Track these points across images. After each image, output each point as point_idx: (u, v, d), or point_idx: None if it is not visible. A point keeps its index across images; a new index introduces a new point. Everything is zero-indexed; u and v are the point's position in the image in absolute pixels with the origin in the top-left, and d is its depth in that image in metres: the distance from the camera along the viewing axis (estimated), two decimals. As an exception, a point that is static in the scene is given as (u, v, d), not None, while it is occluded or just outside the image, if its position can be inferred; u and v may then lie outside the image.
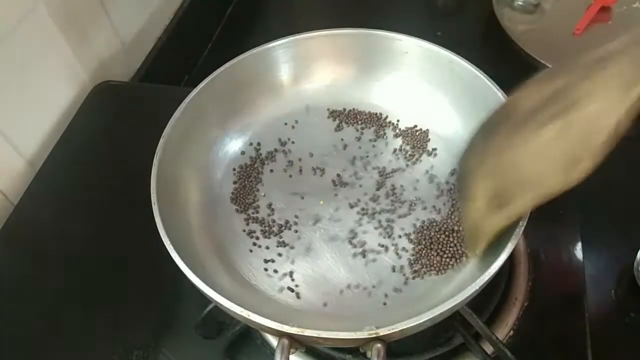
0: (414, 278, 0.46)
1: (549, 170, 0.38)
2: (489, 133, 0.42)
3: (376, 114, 0.56)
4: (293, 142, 0.55)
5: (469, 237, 0.44)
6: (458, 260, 0.46)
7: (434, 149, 0.53)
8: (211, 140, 0.53)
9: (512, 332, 0.47)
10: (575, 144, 0.36)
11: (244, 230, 0.50)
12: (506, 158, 0.39)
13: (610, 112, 0.35)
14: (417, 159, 0.53)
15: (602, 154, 0.36)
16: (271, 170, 0.54)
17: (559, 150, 0.36)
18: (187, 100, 0.50)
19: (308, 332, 0.36)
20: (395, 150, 0.54)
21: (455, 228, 0.47)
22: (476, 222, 0.42)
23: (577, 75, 0.37)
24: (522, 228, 0.39)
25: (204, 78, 0.51)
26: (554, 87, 0.38)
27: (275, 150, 0.55)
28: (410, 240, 0.48)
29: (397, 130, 0.55)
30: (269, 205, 0.51)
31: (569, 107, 0.36)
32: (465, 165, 0.44)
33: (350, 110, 0.56)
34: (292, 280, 0.47)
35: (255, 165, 0.54)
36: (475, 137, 0.44)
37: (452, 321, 0.45)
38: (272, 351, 0.47)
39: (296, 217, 0.50)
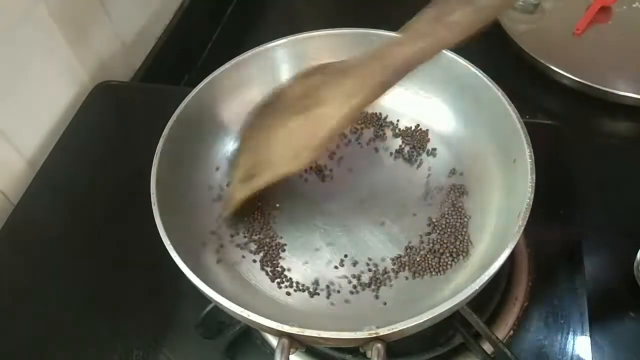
0: (414, 278, 0.46)
1: (286, 155, 0.44)
2: (262, 112, 0.47)
3: (376, 114, 0.56)
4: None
5: (227, 200, 0.49)
6: (457, 260, 0.46)
7: (434, 149, 0.53)
8: (211, 140, 0.53)
9: (512, 332, 0.47)
10: (306, 136, 0.42)
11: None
12: (264, 137, 0.45)
13: (333, 115, 0.41)
14: (416, 159, 0.53)
15: (322, 147, 0.42)
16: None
17: (296, 139, 0.43)
18: (187, 100, 0.50)
19: (308, 332, 0.36)
20: (394, 150, 0.54)
21: (457, 226, 0.47)
22: (232, 189, 0.48)
23: (326, 78, 0.42)
24: (522, 228, 0.39)
25: (204, 78, 0.51)
26: (311, 83, 0.43)
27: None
28: (410, 240, 0.48)
29: (397, 130, 0.55)
30: (270, 205, 0.51)
31: (313, 105, 0.42)
32: (242, 135, 0.49)
33: (350, 110, 0.56)
34: (292, 280, 0.47)
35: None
36: (253, 112, 0.48)
37: (452, 321, 0.45)
38: (272, 351, 0.47)
39: (296, 217, 0.50)
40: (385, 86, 0.41)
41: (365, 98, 0.41)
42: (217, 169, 0.53)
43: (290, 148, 0.43)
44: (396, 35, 0.41)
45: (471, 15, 0.37)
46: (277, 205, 0.51)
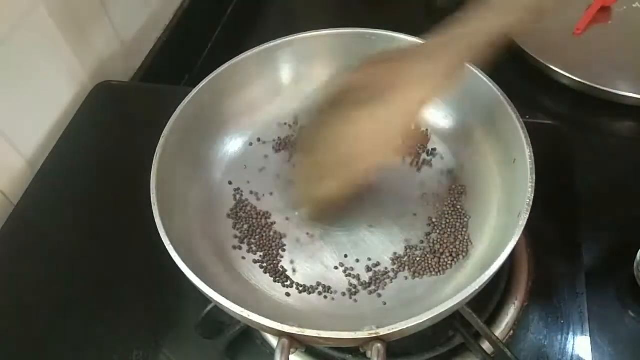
0: (414, 278, 0.46)
1: (372, 146, 0.41)
2: (325, 108, 0.44)
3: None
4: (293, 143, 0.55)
5: (297, 194, 0.48)
6: (457, 260, 0.46)
7: (434, 149, 0.53)
8: (211, 140, 0.53)
9: (512, 332, 0.47)
10: (392, 123, 0.40)
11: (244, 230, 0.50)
12: (337, 133, 0.42)
13: (417, 98, 0.39)
14: (416, 159, 0.53)
15: (412, 131, 0.42)
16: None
17: (380, 128, 0.40)
18: (187, 100, 0.50)
19: (308, 332, 0.36)
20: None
21: (457, 226, 0.47)
22: (302, 185, 0.46)
23: (399, 64, 0.40)
24: (522, 228, 0.39)
25: (204, 78, 0.51)
26: (381, 71, 0.41)
27: (275, 150, 0.55)
28: (410, 240, 0.48)
29: (397, 130, 0.55)
30: (270, 204, 0.51)
31: (390, 91, 0.40)
32: (303, 134, 0.47)
33: (350, 110, 0.56)
34: (292, 280, 0.47)
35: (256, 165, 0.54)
36: (314, 109, 0.46)
37: (452, 321, 0.45)
38: (272, 351, 0.47)
39: (296, 216, 0.50)
40: (461, 64, 0.40)
41: (445, 77, 0.39)
42: (217, 169, 0.53)
43: (375, 138, 0.41)
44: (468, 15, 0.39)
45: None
46: (278, 205, 0.51)
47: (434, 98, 0.40)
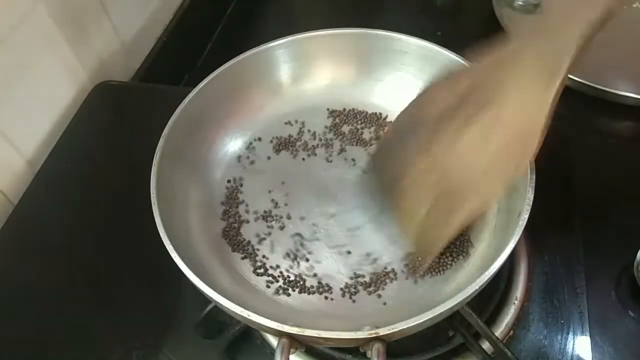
0: (414, 278, 0.46)
1: (485, 175, 0.36)
2: (401, 142, 0.39)
3: (376, 113, 0.56)
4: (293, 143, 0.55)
5: (420, 249, 0.43)
6: (457, 260, 0.46)
7: (434, 149, 0.53)
8: (211, 140, 0.53)
9: (512, 332, 0.47)
10: (508, 145, 0.34)
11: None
12: (438, 161, 0.37)
13: (538, 109, 0.34)
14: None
15: (538, 147, 0.34)
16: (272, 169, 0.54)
17: (490, 152, 0.35)
18: (187, 100, 0.50)
19: (308, 332, 0.36)
20: (395, 150, 0.54)
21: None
22: (423, 233, 0.41)
23: (484, 71, 0.35)
24: (522, 228, 0.39)
25: (204, 78, 0.51)
26: (464, 85, 0.35)
27: (276, 150, 0.55)
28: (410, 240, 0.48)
29: (397, 130, 0.55)
30: (270, 204, 0.51)
31: (486, 105, 0.34)
32: (381, 182, 0.40)
33: (350, 110, 0.56)
34: (292, 279, 0.47)
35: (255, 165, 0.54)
36: (383, 148, 0.41)
37: (452, 321, 0.45)
38: (272, 351, 0.47)
39: (296, 216, 0.50)
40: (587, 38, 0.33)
41: (564, 72, 0.34)
42: (217, 169, 0.53)
43: (496, 159, 0.35)
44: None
45: None
46: (278, 205, 0.51)
47: (560, 87, 0.33)
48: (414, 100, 0.39)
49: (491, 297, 0.48)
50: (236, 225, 0.50)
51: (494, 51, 0.34)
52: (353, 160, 0.54)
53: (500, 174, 0.35)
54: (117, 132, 0.66)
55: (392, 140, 0.40)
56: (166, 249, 0.40)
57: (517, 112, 0.34)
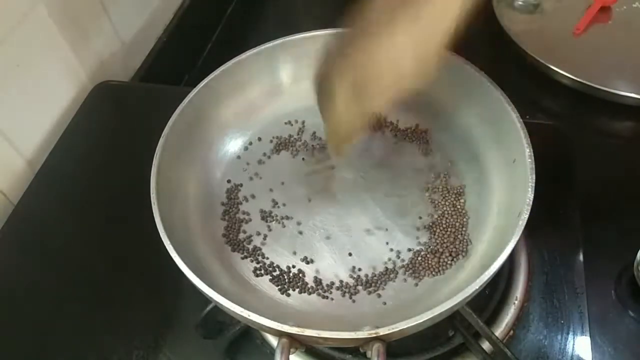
0: (413, 278, 0.46)
1: (404, 63, 0.39)
2: (345, 39, 0.43)
3: (375, 113, 0.56)
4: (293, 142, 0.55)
5: (331, 140, 0.46)
6: (457, 260, 0.46)
7: (434, 149, 0.53)
8: (211, 140, 0.53)
9: (512, 331, 0.47)
10: (425, 38, 0.39)
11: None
12: (364, 53, 0.40)
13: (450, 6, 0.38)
14: (416, 159, 0.53)
15: (448, 45, 0.39)
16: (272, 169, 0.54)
17: (412, 44, 0.39)
18: (187, 100, 0.50)
19: (308, 332, 0.36)
20: (394, 149, 0.54)
21: (457, 225, 0.47)
22: (338, 123, 0.43)
23: None
24: (522, 228, 0.39)
25: (204, 78, 0.51)
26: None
27: (276, 150, 0.55)
28: (410, 240, 0.48)
29: (397, 130, 0.55)
30: (269, 204, 0.51)
31: (415, 5, 0.38)
32: (320, 74, 0.44)
33: (350, 110, 0.56)
34: (292, 279, 0.47)
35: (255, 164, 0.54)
36: (330, 46, 0.45)
37: (452, 321, 0.45)
38: (272, 351, 0.47)
39: (296, 216, 0.50)
40: None
41: None
42: (217, 169, 0.53)
43: (407, 55, 0.39)
44: None
45: None
46: (278, 205, 0.51)
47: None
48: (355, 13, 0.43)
49: (491, 297, 0.48)
50: (236, 225, 0.50)
51: None
52: (352, 160, 0.54)
53: (424, 54, 0.39)
54: (117, 132, 0.66)
55: (331, 44, 0.45)
56: (166, 249, 0.40)
57: (436, 11, 0.38)
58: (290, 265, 0.47)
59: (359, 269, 0.47)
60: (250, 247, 0.49)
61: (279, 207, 0.51)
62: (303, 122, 0.56)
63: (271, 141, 0.55)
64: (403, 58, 0.39)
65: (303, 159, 0.54)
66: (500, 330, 0.47)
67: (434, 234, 0.48)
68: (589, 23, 0.73)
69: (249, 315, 0.37)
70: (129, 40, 0.75)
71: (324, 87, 0.44)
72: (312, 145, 0.55)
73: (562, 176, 0.56)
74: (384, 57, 0.40)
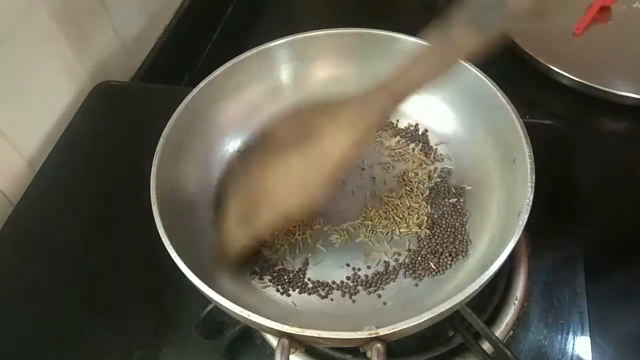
0: (413, 278, 0.46)
1: (290, 193, 0.43)
2: (249, 157, 0.47)
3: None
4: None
5: (220, 252, 0.47)
6: (457, 260, 0.46)
7: (434, 149, 0.53)
8: (211, 140, 0.53)
9: (512, 332, 0.47)
10: (312, 170, 0.42)
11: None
12: (258, 180, 0.44)
13: (339, 146, 0.41)
14: (416, 159, 0.53)
15: (332, 179, 0.42)
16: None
17: (300, 175, 0.42)
18: (187, 100, 0.50)
19: (308, 332, 0.35)
20: (394, 149, 0.54)
21: (457, 225, 0.47)
22: (226, 238, 0.46)
23: (324, 113, 0.42)
24: (522, 228, 0.39)
25: (204, 78, 0.51)
26: (306, 120, 0.43)
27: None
28: (410, 240, 0.48)
29: (397, 130, 0.55)
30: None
31: (314, 139, 0.41)
32: (226, 182, 0.49)
33: (350, 110, 0.56)
34: (292, 280, 0.47)
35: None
36: (237, 159, 0.50)
37: (452, 321, 0.45)
38: (272, 351, 0.47)
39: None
40: (388, 110, 0.42)
41: (370, 124, 0.41)
42: (217, 169, 0.53)
43: (294, 185, 0.42)
44: (396, 65, 0.40)
45: (475, 37, 0.37)
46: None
47: (360, 141, 0.41)
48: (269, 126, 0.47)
49: (491, 297, 0.48)
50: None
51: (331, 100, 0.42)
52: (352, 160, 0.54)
53: (304, 192, 0.42)
54: (117, 132, 0.66)
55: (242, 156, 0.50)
56: (166, 249, 0.40)
57: (324, 149, 0.41)
58: (291, 265, 0.47)
59: (359, 269, 0.47)
60: (250, 247, 0.49)
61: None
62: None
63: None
64: (292, 186, 0.42)
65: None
66: (500, 330, 0.47)
67: (434, 234, 0.48)
68: (588, 23, 0.73)
69: (248, 315, 0.37)
70: (129, 40, 0.75)
71: (224, 199, 0.47)
72: None
73: (562, 176, 0.56)
74: (273, 184, 0.43)
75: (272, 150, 0.44)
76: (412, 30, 0.53)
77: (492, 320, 0.47)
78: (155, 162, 0.45)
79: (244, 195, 0.45)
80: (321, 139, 0.41)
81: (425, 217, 0.49)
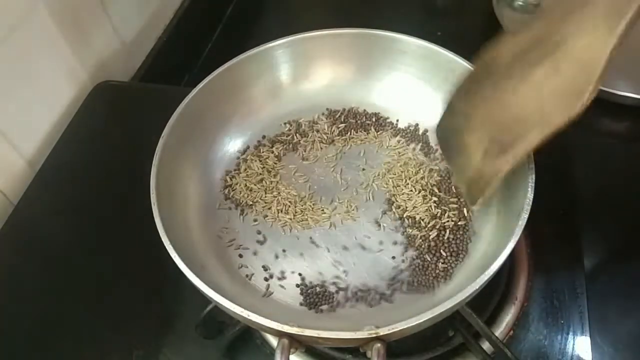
0: (413, 278, 0.46)
1: (549, 107, 0.39)
2: (469, 91, 0.43)
3: (375, 113, 0.56)
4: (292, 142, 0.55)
5: (470, 190, 0.45)
6: (457, 260, 0.46)
7: (434, 150, 0.53)
8: (211, 140, 0.53)
9: (512, 332, 0.47)
10: (573, 78, 0.38)
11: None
12: (496, 106, 0.40)
13: (603, 43, 0.37)
14: (416, 159, 0.53)
15: (602, 80, 0.38)
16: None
17: (555, 86, 0.38)
18: (187, 100, 0.50)
19: (308, 332, 0.36)
20: (394, 149, 0.54)
21: (457, 225, 0.47)
22: (477, 174, 0.43)
23: (555, 20, 0.38)
24: (522, 228, 0.39)
25: (204, 78, 0.51)
26: (532, 35, 0.39)
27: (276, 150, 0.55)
28: (410, 240, 0.48)
29: (397, 130, 0.55)
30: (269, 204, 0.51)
31: (555, 48, 0.37)
32: (448, 126, 0.44)
33: (349, 110, 0.56)
34: (292, 280, 0.47)
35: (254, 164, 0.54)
36: (454, 99, 0.45)
37: (452, 321, 0.45)
38: (272, 351, 0.47)
39: (296, 216, 0.50)
40: None
41: (622, 14, 0.37)
42: (217, 169, 0.53)
43: (552, 98, 0.38)
44: None
45: None
46: (280, 204, 0.51)
47: (618, 40, 0.37)
48: (483, 55, 0.43)
49: (491, 297, 0.48)
50: (236, 225, 0.50)
51: (557, 6, 0.39)
52: (353, 160, 0.54)
53: (566, 104, 0.39)
54: (117, 132, 0.66)
55: (460, 92, 0.44)
56: (166, 249, 0.40)
57: (582, 51, 0.37)
58: (291, 265, 0.47)
59: (359, 269, 0.47)
60: (251, 247, 0.49)
61: (279, 207, 0.51)
62: (303, 122, 0.56)
63: (271, 141, 0.55)
64: (543, 99, 0.39)
65: (303, 159, 0.54)
66: (500, 330, 0.47)
67: (434, 234, 0.48)
68: (589, 23, 0.73)
69: (248, 315, 0.37)
70: (129, 40, 0.75)
71: (454, 143, 0.44)
72: (312, 145, 0.55)
73: (562, 176, 0.56)
74: (520, 104, 0.39)
75: (505, 72, 0.40)
76: (412, 30, 0.53)
77: (492, 320, 0.47)
78: (155, 162, 0.45)
79: (484, 123, 0.41)
80: (571, 43, 0.37)
81: (426, 217, 0.49)
